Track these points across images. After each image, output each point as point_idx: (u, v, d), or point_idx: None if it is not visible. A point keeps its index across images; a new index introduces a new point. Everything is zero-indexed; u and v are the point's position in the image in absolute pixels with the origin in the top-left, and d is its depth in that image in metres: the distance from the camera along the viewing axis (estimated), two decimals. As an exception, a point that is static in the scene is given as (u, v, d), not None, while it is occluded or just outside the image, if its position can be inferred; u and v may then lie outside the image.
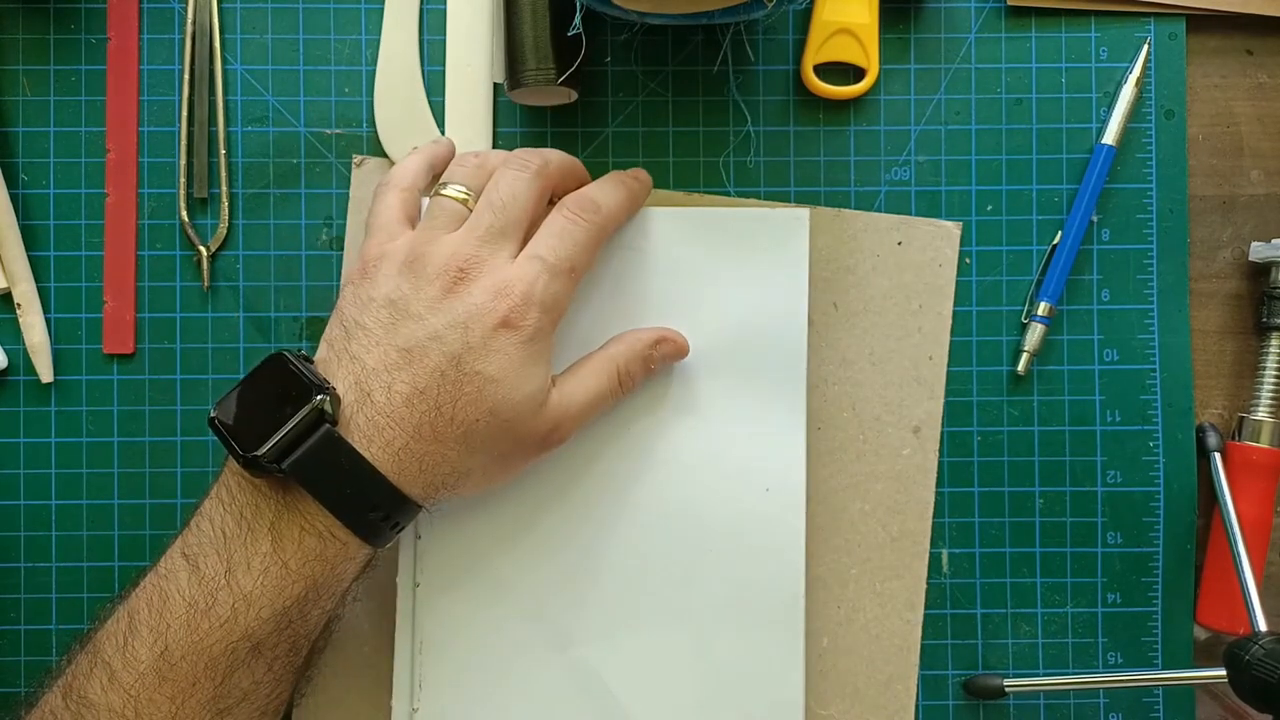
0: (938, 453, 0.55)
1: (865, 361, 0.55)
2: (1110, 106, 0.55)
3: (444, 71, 0.55)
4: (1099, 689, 0.55)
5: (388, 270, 0.46)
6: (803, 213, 0.52)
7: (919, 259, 0.55)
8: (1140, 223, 0.56)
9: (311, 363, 0.45)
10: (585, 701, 0.51)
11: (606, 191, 0.49)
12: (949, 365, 0.55)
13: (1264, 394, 0.55)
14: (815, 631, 0.54)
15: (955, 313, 0.55)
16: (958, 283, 0.55)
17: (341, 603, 0.46)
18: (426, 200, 0.49)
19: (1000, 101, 0.56)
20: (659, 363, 0.50)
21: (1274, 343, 0.55)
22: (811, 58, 0.55)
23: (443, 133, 0.55)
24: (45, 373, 0.54)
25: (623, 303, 0.51)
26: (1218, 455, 0.54)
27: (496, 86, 0.55)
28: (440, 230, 0.46)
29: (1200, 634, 0.56)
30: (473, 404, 0.44)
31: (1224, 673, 0.48)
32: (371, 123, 0.55)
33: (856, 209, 0.55)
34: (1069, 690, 0.55)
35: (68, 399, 0.55)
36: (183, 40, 0.55)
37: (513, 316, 0.44)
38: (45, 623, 0.55)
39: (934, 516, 0.55)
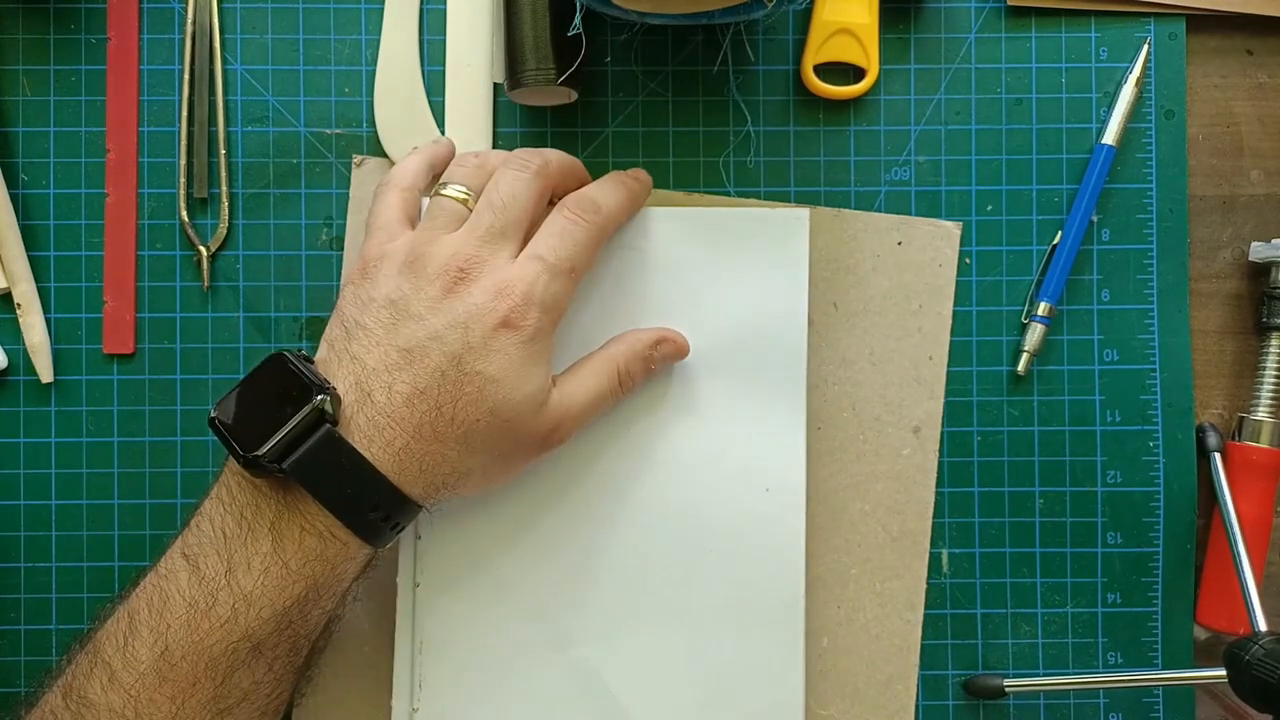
0: (938, 453, 0.55)
1: (865, 361, 0.55)
2: (1110, 106, 0.55)
3: (444, 71, 0.55)
4: (1099, 689, 0.55)
5: (388, 270, 0.46)
6: (803, 213, 0.52)
7: (919, 259, 0.55)
8: (1140, 223, 0.56)
9: (312, 363, 0.45)
10: (585, 701, 0.51)
11: (607, 191, 0.49)
12: (949, 365, 0.55)
13: (1264, 394, 0.55)
14: (815, 631, 0.54)
15: (955, 313, 0.55)
16: (958, 283, 0.55)
17: (342, 603, 0.46)
18: (426, 200, 0.49)
19: (1000, 101, 0.56)
20: (659, 363, 0.50)
21: (1274, 343, 0.55)
22: (811, 58, 0.55)
23: (443, 133, 0.55)
24: (45, 373, 0.54)
25: (623, 303, 0.51)
26: (1218, 455, 0.54)
27: (496, 86, 0.55)
28: (440, 230, 0.46)
29: (1200, 634, 0.56)
30: (473, 404, 0.44)
31: (1224, 673, 0.48)
32: (371, 123, 0.55)
33: (856, 209, 0.55)
34: (1069, 690, 0.55)
35: (68, 399, 0.55)
36: (183, 40, 0.55)
37: (513, 316, 0.44)
38: (45, 623, 0.55)
39: (934, 516, 0.55)
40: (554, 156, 0.49)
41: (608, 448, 0.51)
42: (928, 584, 0.55)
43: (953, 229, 0.55)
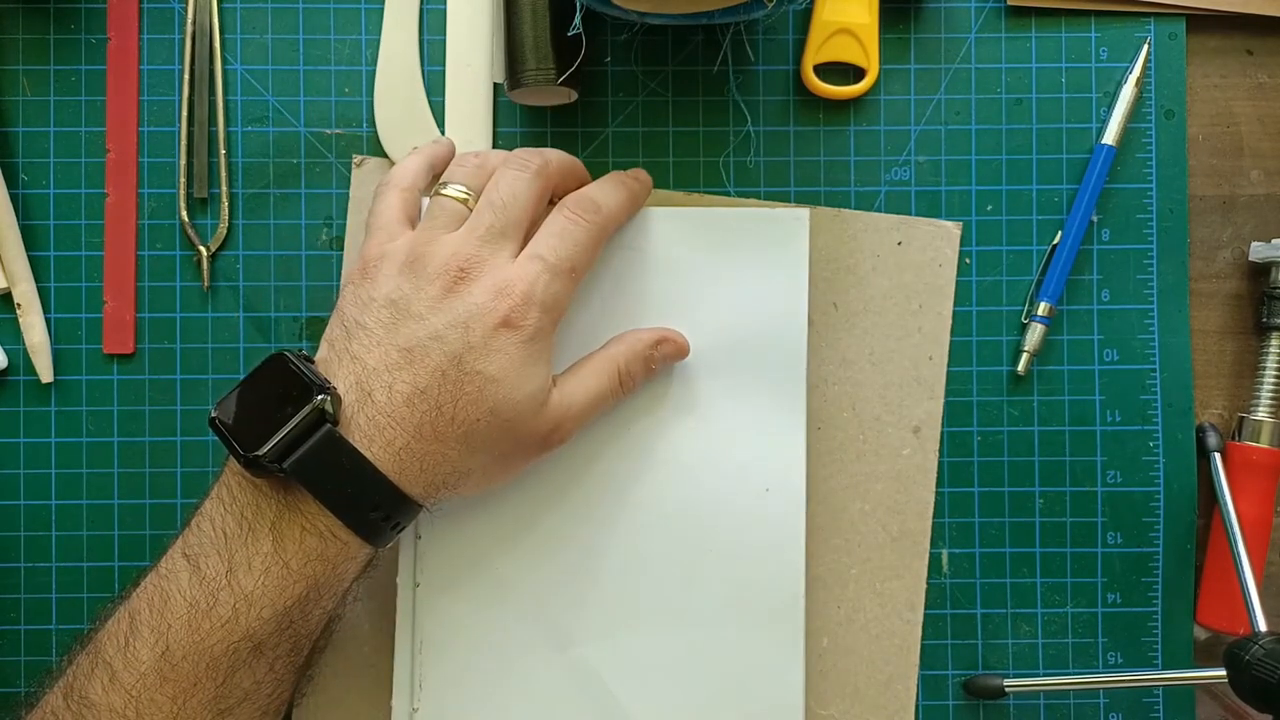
0: (938, 453, 0.55)
1: (865, 361, 0.55)
2: (1110, 106, 0.55)
3: (444, 71, 0.55)
4: (1099, 689, 0.55)
5: (388, 270, 0.46)
6: (803, 213, 0.52)
7: (919, 259, 0.55)
8: (1140, 223, 0.56)
9: (312, 363, 0.45)
10: (585, 701, 0.51)
11: (607, 191, 0.49)
12: (949, 365, 0.55)
13: (1264, 394, 0.55)
14: (815, 631, 0.54)
15: (955, 313, 0.55)
16: (958, 283, 0.55)
17: (342, 602, 0.46)
18: (427, 200, 0.49)
19: (1000, 101, 0.56)
20: (660, 363, 0.50)
21: (1274, 343, 0.55)
22: (811, 58, 0.55)
23: (443, 133, 0.55)
24: (45, 373, 0.54)
25: (623, 303, 0.51)
26: (1218, 455, 0.54)
27: (496, 86, 0.55)
28: (440, 230, 0.46)
29: (1200, 634, 0.56)
30: (474, 404, 0.44)
31: (1224, 673, 0.48)
32: (371, 123, 0.55)
33: (856, 209, 0.55)
34: (1069, 690, 0.55)
35: (68, 399, 0.55)
36: (183, 40, 0.55)
37: (513, 316, 0.44)
38: (45, 623, 0.55)
39: (934, 516, 0.55)
40: (554, 156, 0.49)
41: (608, 448, 0.51)
42: (928, 584, 0.55)
43: (953, 229, 0.55)
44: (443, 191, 0.48)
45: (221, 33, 0.55)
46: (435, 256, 0.45)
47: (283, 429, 0.41)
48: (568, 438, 0.48)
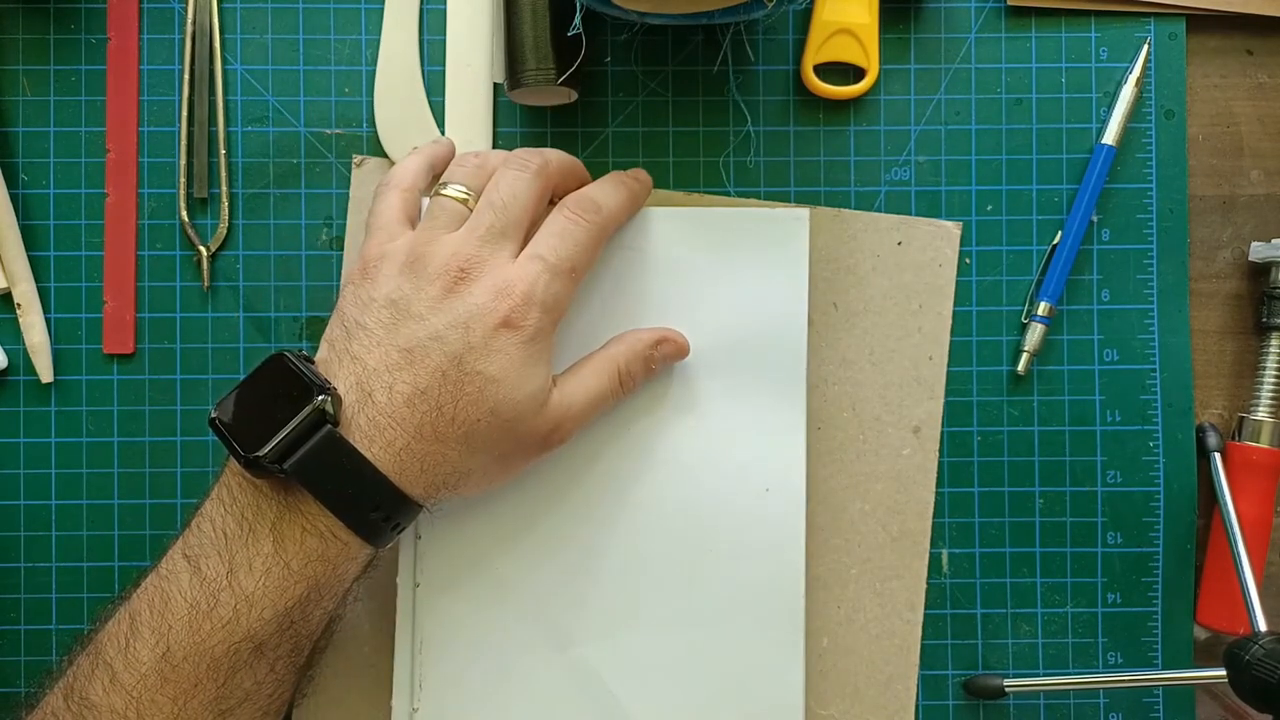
0: (938, 453, 0.55)
1: (865, 361, 0.55)
2: (1110, 106, 0.55)
3: (444, 71, 0.55)
4: (1099, 689, 0.55)
5: (388, 270, 0.46)
6: (803, 213, 0.52)
7: (919, 259, 0.55)
8: (1140, 223, 0.56)
9: (312, 363, 0.45)
10: (585, 701, 0.51)
11: (607, 192, 0.49)
12: (949, 365, 0.55)
13: (1264, 394, 0.55)
14: (815, 631, 0.54)
15: (955, 313, 0.55)
16: (958, 283, 0.55)
17: (343, 603, 0.46)
18: (427, 200, 0.49)
19: (1000, 101, 0.56)
20: (660, 363, 0.50)
21: (1274, 343, 0.55)
22: (811, 58, 0.55)
23: (443, 133, 0.55)
24: (45, 373, 0.54)
25: (623, 303, 0.51)
26: (1218, 455, 0.54)
27: (496, 86, 0.55)
28: (441, 230, 0.46)
29: (1200, 634, 0.56)
30: (474, 404, 0.44)
31: (1224, 673, 0.48)
32: (371, 123, 0.55)
33: (856, 209, 0.55)
34: (1069, 690, 0.55)
35: (68, 399, 0.55)
36: (183, 40, 0.55)
37: (514, 316, 0.44)
38: (45, 623, 0.55)
39: (934, 516, 0.55)
40: (554, 156, 0.49)
41: (608, 448, 0.51)
42: (928, 584, 0.55)
43: (953, 229, 0.55)
44: (443, 192, 0.47)
45: (221, 33, 0.55)
46: (435, 257, 0.45)
47: (283, 430, 0.41)
48: (568, 438, 0.48)
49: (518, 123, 0.56)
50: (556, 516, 0.51)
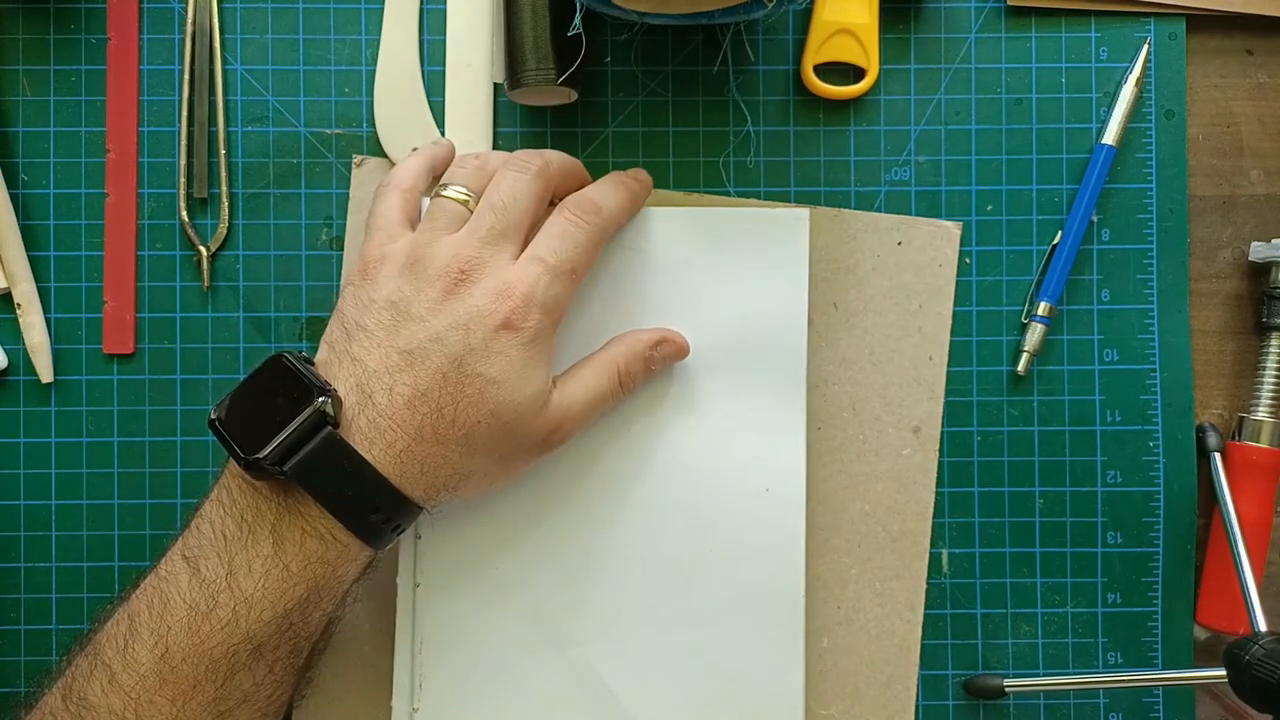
0: (938, 453, 0.55)
1: (865, 361, 0.55)
2: (1110, 106, 0.55)
3: (444, 71, 0.55)
4: (1099, 689, 0.55)
5: (388, 272, 0.46)
6: (803, 213, 0.52)
7: (919, 259, 0.55)
8: (1140, 223, 0.56)
9: (312, 364, 0.45)
10: (585, 701, 0.51)
11: (607, 192, 0.49)
12: (949, 365, 0.55)
13: (1264, 394, 0.55)
14: (815, 631, 0.54)
15: (955, 313, 0.55)
16: (958, 283, 0.55)
17: (342, 604, 0.46)
18: (427, 201, 0.49)
19: (1000, 101, 0.56)
20: (660, 363, 0.50)
21: (1274, 343, 0.55)
22: (811, 58, 0.55)
23: (443, 133, 0.55)
24: (45, 373, 0.54)
25: (623, 303, 0.51)
26: (1218, 455, 0.54)
27: (496, 86, 0.55)
28: (441, 232, 0.46)
29: (1200, 634, 0.56)
30: (474, 406, 0.44)
31: (1224, 673, 0.48)
32: (371, 123, 0.55)
33: (856, 209, 0.55)
34: (1069, 690, 0.55)
35: (68, 399, 0.55)
36: (183, 40, 0.55)
37: (514, 318, 0.44)
38: (45, 623, 0.55)
39: (934, 516, 0.55)
40: (554, 158, 0.49)
41: (608, 448, 0.51)
42: (928, 584, 0.55)
43: (953, 229, 0.55)
44: (443, 193, 0.47)
45: (221, 33, 0.55)
46: (436, 258, 0.45)
47: (283, 431, 0.41)
48: (568, 439, 0.48)
49: (518, 123, 0.56)
50: (557, 517, 0.51)
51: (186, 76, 0.55)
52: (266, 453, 0.41)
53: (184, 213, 0.55)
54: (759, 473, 0.51)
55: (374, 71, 0.55)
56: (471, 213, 0.47)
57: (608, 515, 0.51)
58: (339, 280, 0.55)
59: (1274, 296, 0.55)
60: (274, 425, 0.42)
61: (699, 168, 0.56)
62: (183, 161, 0.55)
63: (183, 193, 0.55)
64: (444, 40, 0.55)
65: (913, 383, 0.55)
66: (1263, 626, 0.50)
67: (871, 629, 0.54)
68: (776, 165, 0.56)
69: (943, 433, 0.55)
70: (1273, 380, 0.55)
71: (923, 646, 0.55)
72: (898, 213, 0.55)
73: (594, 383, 0.48)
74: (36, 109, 0.55)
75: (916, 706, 0.54)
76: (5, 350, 0.54)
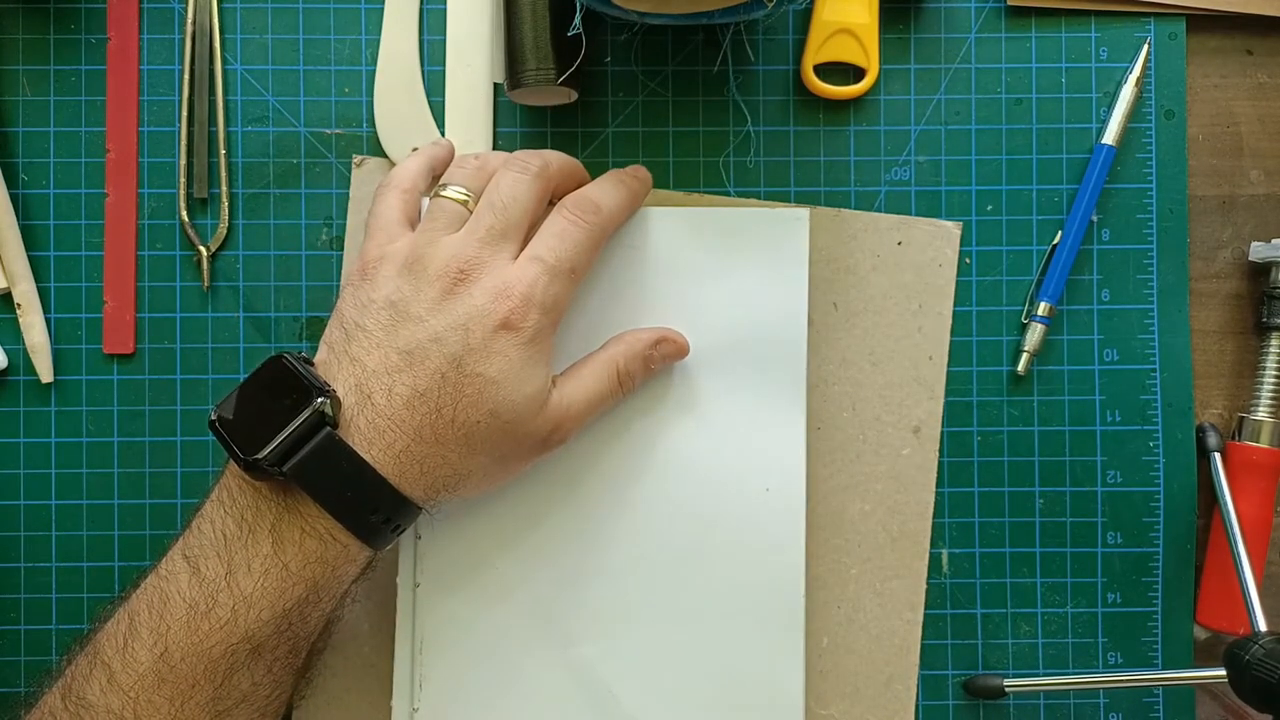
0: (938, 453, 0.55)
1: (865, 361, 0.55)
2: (1110, 106, 0.55)
3: (444, 71, 0.55)
4: (1099, 689, 0.55)
5: (388, 272, 0.46)
6: (803, 213, 0.52)
7: (919, 259, 0.55)
8: (1140, 223, 0.56)
9: (311, 365, 0.45)
10: (585, 701, 0.51)
11: (606, 191, 0.49)
12: (949, 365, 0.55)
13: (1264, 394, 0.55)
14: (815, 631, 0.54)
15: (955, 313, 0.55)
16: (958, 283, 0.55)
17: (341, 604, 0.46)
18: (426, 202, 0.49)
19: (1000, 101, 0.56)
20: (659, 363, 0.50)
21: (1274, 343, 0.55)
22: (811, 58, 0.55)
23: (443, 133, 0.55)
24: (45, 373, 0.54)
25: (623, 303, 0.51)
26: (1218, 455, 0.54)
27: (496, 86, 0.55)
28: (440, 232, 0.46)
29: (1200, 634, 0.56)
30: (473, 406, 0.44)
31: (1224, 673, 0.48)
32: (371, 123, 0.55)
33: (856, 209, 0.55)
34: (1069, 690, 0.55)
35: (68, 399, 0.55)
36: (183, 40, 0.55)
37: (513, 318, 0.44)
38: (45, 623, 0.55)
39: (934, 516, 0.55)
40: (554, 158, 0.49)
41: (608, 448, 0.51)
42: (928, 584, 0.55)
43: (953, 229, 0.55)
44: (443, 193, 0.47)
45: (221, 33, 0.55)
46: (435, 258, 0.45)
47: (283, 432, 0.41)
48: (567, 438, 0.48)
49: (518, 123, 0.56)
50: (556, 516, 0.51)
51: (186, 76, 0.55)
52: (266, 453, 0.41)
53: (184, 213, 0.55)
54: (759, 473, 0.51)
55: (374, 71, 0.55)
56: (471, 213, 0.47)
57: (608, 515, 0.51)
58: (339, 280, 0.55)
59: (1274, 296, 0.55)
60: (273, 426, 0.42)
61: (699, 168, 0.56)
62: (183, 161, 0.55)
63: (183, 193, 0.55)
64: (444, 40, 0.55)
65: (913, 383, 0.55)
66: (1263, 626, 0.50)
67: (871, 629, 0.54)
68: (776, 165, 0.56)
69: (943, 433, 0.55)
70: (1273, 380, 0.55)
71: (923, 646, 0.55)
72: (898, 213, 0.55)
73: (593, 382, 0.48)
74: (36, 109, 0.55)
75: (916, 706, 0.54)
76: (5, 350, 0.54)
